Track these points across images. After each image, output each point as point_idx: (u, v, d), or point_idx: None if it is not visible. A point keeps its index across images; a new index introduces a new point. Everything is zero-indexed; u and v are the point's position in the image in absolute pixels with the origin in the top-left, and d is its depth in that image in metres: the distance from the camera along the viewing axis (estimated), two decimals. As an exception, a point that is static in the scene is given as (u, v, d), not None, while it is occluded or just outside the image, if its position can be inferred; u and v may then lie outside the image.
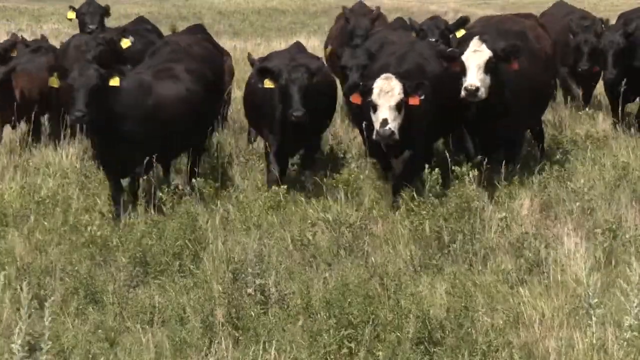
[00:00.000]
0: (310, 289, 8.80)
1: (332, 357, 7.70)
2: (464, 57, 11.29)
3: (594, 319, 7.98)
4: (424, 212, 10.36)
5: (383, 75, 10.91)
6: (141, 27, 16.29)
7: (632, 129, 14.72)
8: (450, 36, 13.72)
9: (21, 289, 8.70)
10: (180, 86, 11.71)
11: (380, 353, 7.66)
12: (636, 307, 7.86)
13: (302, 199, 11.69)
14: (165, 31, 18.26)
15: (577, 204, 10.87)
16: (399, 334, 7.82)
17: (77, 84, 10.53)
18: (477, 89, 11.09)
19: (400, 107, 10.79)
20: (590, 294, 8.19)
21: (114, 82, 10.69)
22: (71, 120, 10.97)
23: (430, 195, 10.73)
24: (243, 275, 8.91)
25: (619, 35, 14.55)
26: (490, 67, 11.27)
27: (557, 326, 8.23)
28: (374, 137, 10.88)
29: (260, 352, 7.84)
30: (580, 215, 10.71)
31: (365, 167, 12.56)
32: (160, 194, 11.08)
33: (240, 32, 37.02)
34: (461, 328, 7.87)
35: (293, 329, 8.17)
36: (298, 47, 13.24)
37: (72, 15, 15.07)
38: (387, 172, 11.93)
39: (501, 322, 8.14)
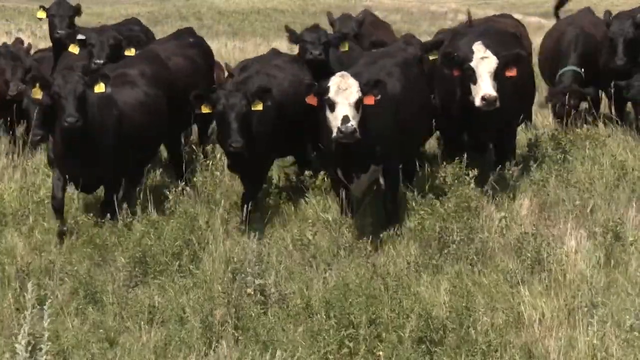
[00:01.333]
0: (310, 289, 8.80)
1: (332, 356, 7.70)
2: (473, 65, 11.00)
3: (595, 318, 7.98)
4: (423, 212, 10.36)
5: (338, 74, 10.35)
6: (125, 27, 16.17)
7: (632, 129, 14.70)
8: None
9: (21, 289, 8.76)
10: (139, 92, 11.45)
11: (381, 353, 7.66)
12: (637, 307, 7.86)
13: (302, 199, 11.68)
14: (168, 31, 18.20)
15: (577, 202, 10.87)
16: (399, 334, 7.82)
17: (64, 91, 10.22)
18: (496, 98, 10.78)
19: (358, 106, 10.08)
20: (593, 292, 8.19)
21: (99, 88, 10.45)
22: (65, 127, 10.16)
23: (431, 195, 10.71)
24: (243, 275, 8.91)
25: (629, 25, 14.49)
26: (497, 74, 11.11)
27: (557, 326, 8.24)
28: (333, 135, 9.96)
29: (260, 352, 7.85)
30: (580, 215, 10.71)
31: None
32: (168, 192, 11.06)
33: (239, 32, 37.07)
34: (462, 328, 7.87)
35: (293, 329, 8.17)
36: (273, 54, 13.05)
37: (42, 14, 14.63)
38: (338, 190, 10.86)
39: (501, 322, 8.14)
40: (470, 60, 11.06)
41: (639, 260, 9.37)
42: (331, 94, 10.10)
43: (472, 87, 10.97)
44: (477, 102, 10.82)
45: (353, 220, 10.44)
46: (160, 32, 22.12)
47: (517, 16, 21.49)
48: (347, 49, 12.76)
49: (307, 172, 11.83)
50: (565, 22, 16.33)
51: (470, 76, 10.97)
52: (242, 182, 11.45)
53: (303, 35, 12.57)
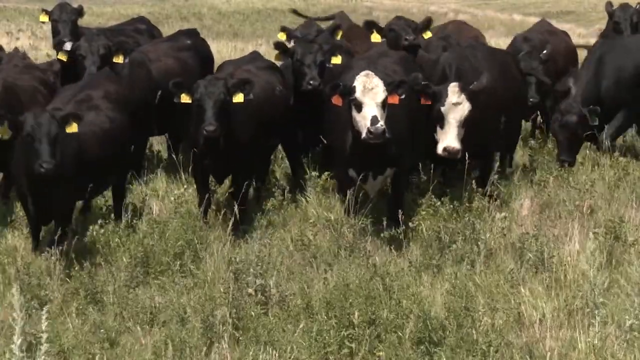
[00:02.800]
0: (310, 289, 8.80)
1: (332, 357, 7.71)
2: (443, 110, 10.76)
3: (597, 318, 7.98)
4: (424, 212, 10.37)
5: (363, 73, 10.20)
6: (131, 27, 16.11)
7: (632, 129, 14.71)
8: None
9: (21, 289, 8.77)
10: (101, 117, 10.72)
11: (381, 353, 7.67)
12: (637, 307, 7.86)
13: (303, 199, 11.68)
14: (168, 31, 18.18)
15: (578, 203, 10.88)
16: (399, 334, 7.82)
17: (38, 134, 9.43)
18: (458, 151, 10.67)
19: (384, 105, 10.04)
20: (595, 293, 8.19)
21: (72, 128, 9.70)
22: (42, 173, 9.30)
23: (432, 196, 10.71)
24: (244, 275, 8.90)
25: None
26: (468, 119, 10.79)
27: (557, 326, 8.24)
28: (363, 136, 9.85)
29: (261, 352, 7.85)
30: (581, 216, 10.71)
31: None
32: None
33: (240, 33, 37.07)
34: (462, 328, 7.88)
35: (293, 329, 8.17)
36: (253, 56, 12.96)
37: (44, 18, 14.46)
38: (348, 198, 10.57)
39: (502, 322, 8.14)
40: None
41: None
42: (358, 94, 10.00)
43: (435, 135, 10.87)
44: (440, 151, 10.77)
45: (355, 220, 10.42)
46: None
47: (517, 17, 21.47)
48: (339, 61, 12.42)
49: (313, 173, 11.82)
50: None
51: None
52: (215, 178, 11.36)
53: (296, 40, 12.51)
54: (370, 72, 10.19)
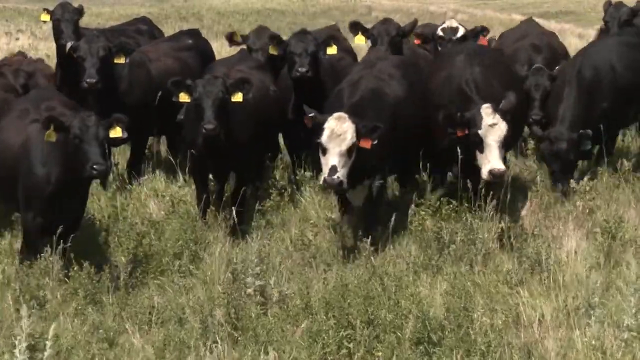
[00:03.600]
0: (309, 290, 8.81)
1: (331, 357, 7.71)
2: (481, 133, 10.14)
3: (593, 319, 7.99)
4: (424, 212, 10.37)
5: (336, 115, 9.80)
6: (133, 27, 16.09)
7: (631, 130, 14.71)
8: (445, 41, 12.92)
9: (21, 289, 8.77)
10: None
11: (380, 353, 7.67)
12: (634, 307, 7.87)
13: (302, 199, 11.69)
14: (167, 32, 18.18)
15: (578, 203, 10.88)
16: (398, 334, 7.82)
17: (87, 136, 9.26)
18: (505, 172, 10.26)
19: (352, 150, 9.71)
20: (590, 293, 8.19)
21: (116, 132, 9.50)
22: (94, 175, 9.21)
23: (431, 195, 10.71)
24: (243, 275, 8.91)
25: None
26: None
27: (556, 327, 8.25)
28: (320, 182, 9.80)
29: (260, 352, 7.85)
30: (579, 216, 10.71)
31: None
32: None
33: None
34: (460, 328, 7.88)
35: (292, 329, 8.17)
36: (241, 56, 12.92)
37: (46, 17, 14.38)
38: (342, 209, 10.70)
39: (500, 323, 8.14)
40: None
41: (638, 260, 9.37)
42: (323, 139, 9.71)
43: (480, 159, 10.24)
44: (486, 175, 10.17)
45: (351, 221, 10.43)
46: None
47: (516, 16, 21.44)
48: (335, 51, 12.58)
49: (307, 173, 11.83)
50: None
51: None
52: (217, 180, 11.37)
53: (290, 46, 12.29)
54: (343, 115, 9.82)
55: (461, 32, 12.95)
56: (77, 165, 9.14)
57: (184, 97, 10.70)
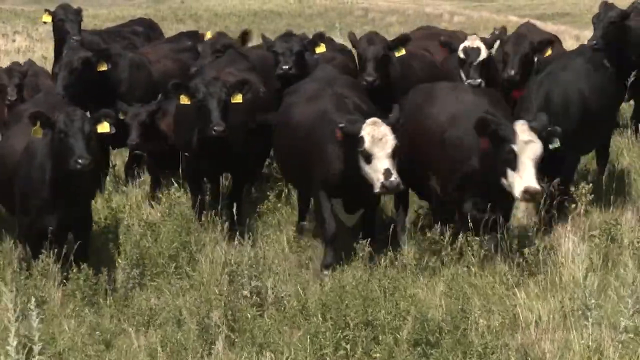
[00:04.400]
0: (306, 291, 8.80)
1: (328, 359, 7.71)
2: (516, 149, 9.29)
3: (590, 320, 7.99)
4: (421, 214, 10.38)
5: (369, 121, 9.51)
6: (129, 28, 16.08)
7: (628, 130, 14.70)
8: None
9: (17, 290, 8.76)
10: None
11: (377, 355, 7.67)
12: (631, 309, 7.87)
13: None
14: (165, 33, 18.15)
15: (574, 205, 10.87)
16: (396, 336, 7.82)
17: (71, 130, 9.23)
18: (539, 192, 9.40)
19: (396, 153, 9.47)
20: (587, 295, 8.20)
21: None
22: (78, 170, 9.15)
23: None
24: (239, 277, 8.91)
25: None
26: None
27: (553, 328, 8.25)
28: (376, 190, 9.41)
29: (257, 354, 7.85)
30: (576, 218, 10.70)
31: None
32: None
33: (236, 34, 37.05)
34: (458, 330, 7.88)
35: (289, 331, 8.17)
36: (231, 58, 12.88)
37: (47, 18, 14.33)
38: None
39: (497, 324, 8.14)
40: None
41: (635, 262, 9.38)
42: (367, 146, 9.41)
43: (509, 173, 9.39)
44: (518, 195, 9.38)
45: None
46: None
47: (512, 18, 21.44)
48: (323, 49, 12.62)
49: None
50: None
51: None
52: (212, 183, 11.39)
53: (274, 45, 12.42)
54: (377, 120, 9.55)
55: (484, 53, 12.40)
56: (62, 160, 9.13)
57: (184, 100, 10.69)
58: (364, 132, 9.43)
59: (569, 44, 22.45)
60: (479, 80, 12.16)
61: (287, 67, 12.14)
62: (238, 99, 10.62)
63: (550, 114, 10.13)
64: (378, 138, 9.42)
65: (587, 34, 18.74)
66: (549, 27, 35.05)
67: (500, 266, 9.47)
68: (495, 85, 12.35)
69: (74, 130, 9.16)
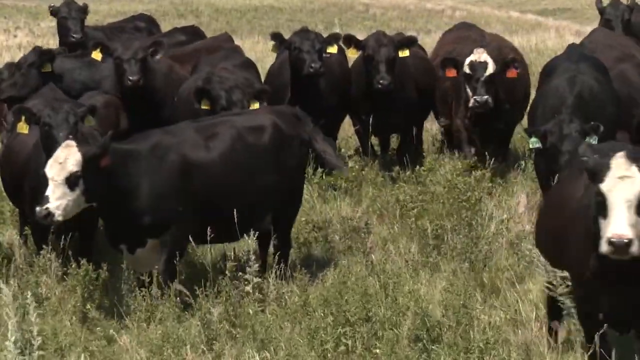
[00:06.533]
0: (308, 287, 8.80)
1: (329, 354, 7.71)
2: (604, 189, 6.63)
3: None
4: (422, 209, 10.36)
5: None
6: (131, 24, 16.07)
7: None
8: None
9: (19, 287, 8.76)
10: None
11: (378, 350, 7.67)
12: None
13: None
14: (165, 28, 18.16)
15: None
16: (396, 331, 7.83)
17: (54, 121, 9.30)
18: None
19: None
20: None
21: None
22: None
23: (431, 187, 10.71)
24: (241, 273, 8.90)
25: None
26: None
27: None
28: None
29: (258, 349, 7.85)
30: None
31: (363, 165, 12.53)
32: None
33: (238, 30, 37.02)
34: (459, 325, 7.88)
35: (291, 326, 8.17)
36: (226, 54, 12.90)
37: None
38: None
39: (499, 320, 8.14)
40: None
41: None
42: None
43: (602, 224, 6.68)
44: (605, 248, 6.56)
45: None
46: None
47: (513, 14, 21.42)
48: (335, 51, 12.57)
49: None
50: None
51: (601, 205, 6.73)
52: None
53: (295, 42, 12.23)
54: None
55: (491, 68, 11.81)
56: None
57: (205, 105, 10.69)
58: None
59: (570, 40, 22.44)
60: (486, 97, 11.75)
61: (317, 66, 12.01)
62: (255, 105, 10.60)
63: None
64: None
65: (587, 30, 18.72)
66: (550, 22, 35.05)
67: (501, 261, 9.47)
68: (501, 101, 12.10)
69: (57, 122, 9.21)
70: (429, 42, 19.40)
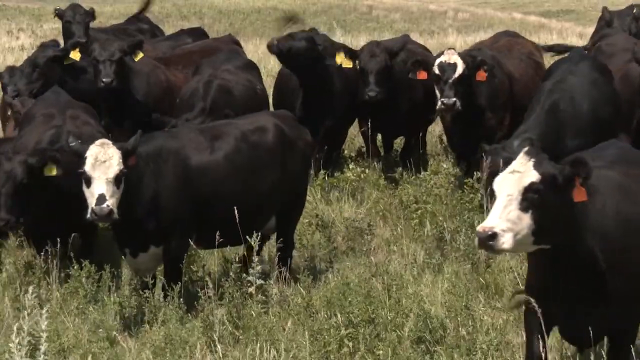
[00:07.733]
0: (311, 289, 8.80)
1: (332, 356, 7.71)
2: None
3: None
4: (424, 210, 10.36)
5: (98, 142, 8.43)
6: (133, 26, 16.08)
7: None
8: None
9: (21, 288, 8.76)
10: None
11: (381, 352, 7.66)
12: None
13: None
14: (168, 30, 18.18)
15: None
16: (399, 333, 7.82)
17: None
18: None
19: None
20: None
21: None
22: None
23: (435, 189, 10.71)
24: (244, 275, 8.89)
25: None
26: None
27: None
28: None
29: (261, 351, 7.84)
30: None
31: (366, 166, 12.54)
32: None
33: (240, 32, 37.06)
34: (462, 327, 7.87)
35: (294, 328, 8.17)
36: (228, 56, 12.87)
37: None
38: None
39: (502, 321, 8.14)
40: None
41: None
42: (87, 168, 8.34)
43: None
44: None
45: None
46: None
47: (516, 15, 21.38)
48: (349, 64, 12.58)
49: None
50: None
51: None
52: None
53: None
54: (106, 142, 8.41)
55: (460, 69, 11.46)
56: None
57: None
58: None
59: (573, 41, 22.44)
60: (454, 100, 11.42)
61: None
62: None
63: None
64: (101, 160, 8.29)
65: (590, 31, 18.71)
66: (553, 24, 35.03)
67: (504, 262, 9.46)
68: (473, 105, 11.74)
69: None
70: (432, 44, 19.40)
